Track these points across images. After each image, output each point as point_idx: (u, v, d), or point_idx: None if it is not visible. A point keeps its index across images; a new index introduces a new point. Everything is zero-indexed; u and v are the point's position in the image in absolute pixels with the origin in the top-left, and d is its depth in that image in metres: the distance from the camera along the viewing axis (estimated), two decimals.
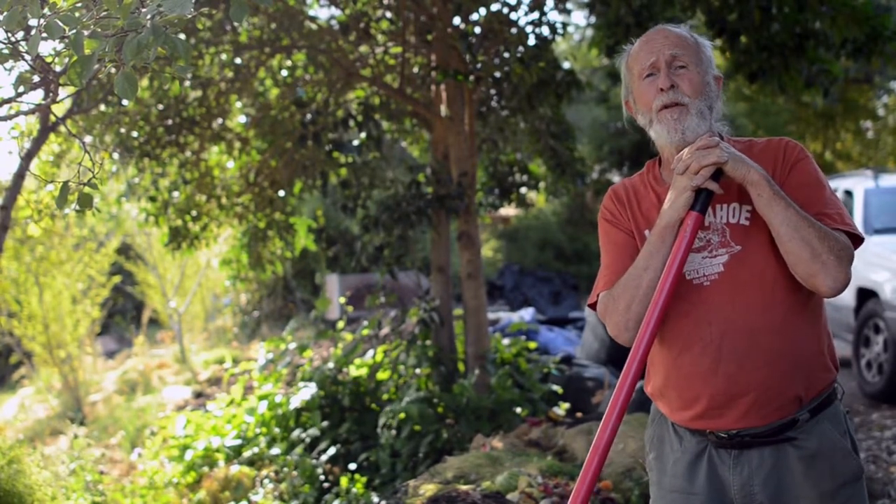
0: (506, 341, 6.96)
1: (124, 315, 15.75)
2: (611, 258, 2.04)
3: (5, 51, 2.24)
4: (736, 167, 1.83)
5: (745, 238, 1.90)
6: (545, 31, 5.65)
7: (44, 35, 1.90)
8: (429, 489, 3.76)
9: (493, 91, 6.47)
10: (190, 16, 1.81)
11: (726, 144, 1.86)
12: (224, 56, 6.05)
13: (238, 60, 6.05)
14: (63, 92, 2.86)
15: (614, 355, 7.34)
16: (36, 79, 2.47)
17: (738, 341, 1.86)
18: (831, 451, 1.90)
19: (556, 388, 6.27)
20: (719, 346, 1.87)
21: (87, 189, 2.41)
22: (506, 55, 5.64)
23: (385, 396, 6.16)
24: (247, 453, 6.21)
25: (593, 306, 2.05)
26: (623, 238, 2.04)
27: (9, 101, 2.71)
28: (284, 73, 6.45)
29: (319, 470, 5.54)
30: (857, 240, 1.88)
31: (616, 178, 16.94)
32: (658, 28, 2.02)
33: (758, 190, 1.82)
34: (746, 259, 1.89)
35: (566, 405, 6.01)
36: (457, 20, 5.83)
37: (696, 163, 1.83)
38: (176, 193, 6.65)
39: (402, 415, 5.45)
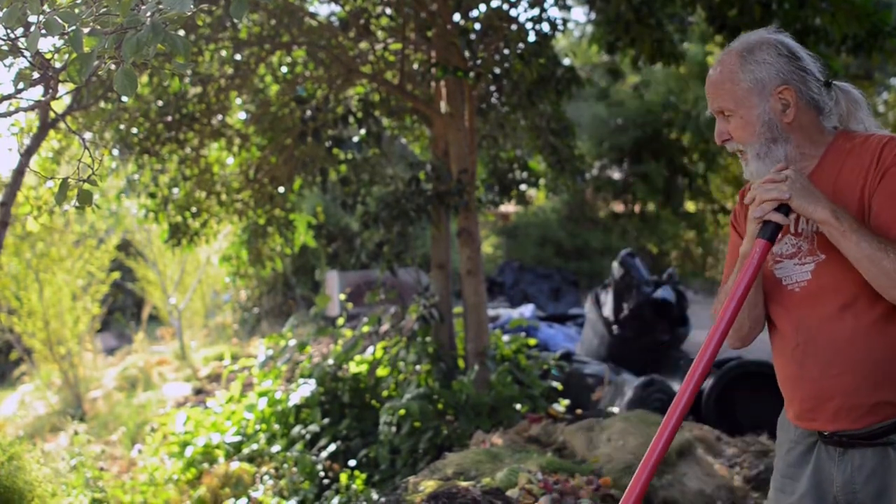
0: (506, 338, 6.96)
1: (124, 311, 15.76)
2: (727, 261, 2.15)
3: (5, 47, 2.24)
4: (801, 203, 1.83)
5: (830, 247, 1.89)
6: (545, 27, 5.65)
7: (43, 32, 1.90)
8: (429, 486, 3.76)
9: (493, 88, 6.46)
10: (189, 12, 1.81)
11: (797, 176, 1.85)
12: (224, 53, 6.04)
13: (238, 57, 6.05)
14: (63, 88, 2.86)
15: (614, 352, 7.34)
16: (36, 75, 2.47)
17: (819, 348, 1.90)
18: None
19: (555, 384, 6.28)
20: (804, 351, 1.93)
21: (86, 186, 2.40)
22: (506, 52, 5.64)
23: (385, 393, 6.16)
24: (246, 450, 6.21)
25: None
26: (738, 241, 2.10)
27: (8, 97, 2.70)
28: (284, 69, 6.45)
29: (319, 466, 5.54)
30: None
31: (616, 174, 16.94)
32: (711, 70, 2.04)
33: (826, 228, 1.83)
34: (829, 268, 1.91)
35: (566, 402, 6.01)
36: (457, 17, 5.83)
37: (759, 196, 1.87)
38: (176, 190, 6.65)
39: (402, 411, 5.45)
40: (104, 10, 1.95)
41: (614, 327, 7.48)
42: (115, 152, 6.21)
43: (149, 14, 1.84)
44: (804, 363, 1.92)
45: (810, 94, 1.95)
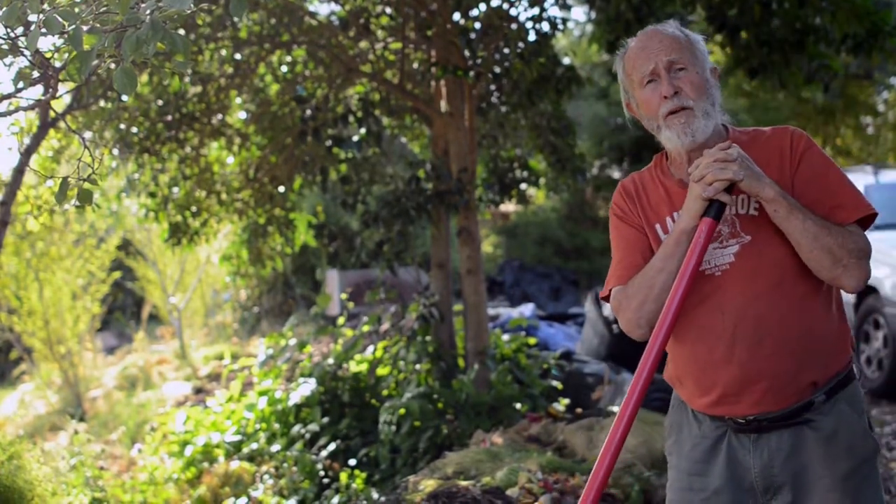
0: (506, 337, 6.96)
1: (124, 311, 15.77)
2: (621, 254, 2.08)
3: (5, 46, 2.24)
4: (751, 184, 1.84)
5: (755, 228, 1.93)
6: (545, 26, 5.64)
7: (43, 30, 1.90)
8: (429, 485, 3.77)
9: (493, 87, 6.46)
10: (189, 11, 1.81)
11: (744, 156, 1.86)
12: (224, 52, 6.04)
13: (238, 56, 6.04)
14: (62, 87, 2.86)
15: (614, 351, 7.34)
16: (35, 74, 2.47)
17: (750, 329, 1.89)
18: (849, 431, 1.93)
19: (555, 383, 6.27)
20: (732, 334, 1.91)
21: (86, 185, 2.40)
22: (506, 51, 5.63)
23: (385, 392, 6.16)
24: (246, 449, 6.21)
25: (606, 298, 2.10)
26: (632, 233, 2.07)
27: (8, 96, 2.71)
28: (284, 68, 6.45)
29: (319, 466, 5.54)
30: (872, 219, 1.96)
31: (616, 174, 16.94)
32: (650, 31, 2.02)
33: (773, 206, 1.85)
34: (756, 248, 1.92)
35: (566, 401, 6.00)
36: (457, 16, 5.83)
37: (710, 175, 1.84)
38: (176, 189, 6.65)
39: (402, 410, 5.45)
40: (104, 8, 1.95)
41: (614, 326, 7.48)
42: (115, 151, 6.20)
43: (148, 12, 1.84)
44: (734, 346, 1.90)
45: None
